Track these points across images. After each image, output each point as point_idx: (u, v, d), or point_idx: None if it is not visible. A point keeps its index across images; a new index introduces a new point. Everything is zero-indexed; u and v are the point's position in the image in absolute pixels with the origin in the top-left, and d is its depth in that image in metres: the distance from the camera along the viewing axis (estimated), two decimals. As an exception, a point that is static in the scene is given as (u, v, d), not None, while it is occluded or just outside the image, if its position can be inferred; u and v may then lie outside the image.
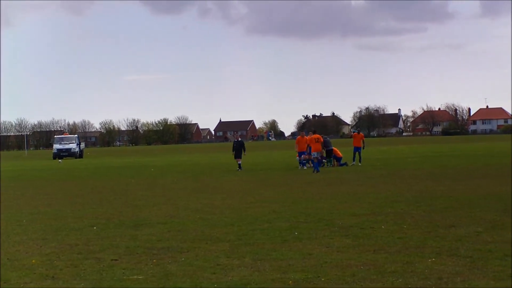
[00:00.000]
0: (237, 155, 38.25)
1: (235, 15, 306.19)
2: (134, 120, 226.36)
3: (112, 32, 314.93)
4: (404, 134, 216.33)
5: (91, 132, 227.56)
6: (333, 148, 39.25)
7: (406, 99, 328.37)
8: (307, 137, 36.56)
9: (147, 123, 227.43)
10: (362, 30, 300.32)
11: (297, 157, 37.36)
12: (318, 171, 33.62)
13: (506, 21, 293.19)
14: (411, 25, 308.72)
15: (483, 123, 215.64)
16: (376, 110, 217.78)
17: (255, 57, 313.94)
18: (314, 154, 34.86)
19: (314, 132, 36.90)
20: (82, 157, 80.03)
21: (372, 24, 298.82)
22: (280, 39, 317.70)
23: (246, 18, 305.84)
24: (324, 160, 38.08)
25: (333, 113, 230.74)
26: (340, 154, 39.71)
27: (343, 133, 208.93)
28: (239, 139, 39.55)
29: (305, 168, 35.41)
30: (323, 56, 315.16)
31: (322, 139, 36.11)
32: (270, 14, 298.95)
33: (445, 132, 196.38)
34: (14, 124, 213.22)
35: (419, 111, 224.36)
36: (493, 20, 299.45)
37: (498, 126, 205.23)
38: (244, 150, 38.43)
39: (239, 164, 38.03)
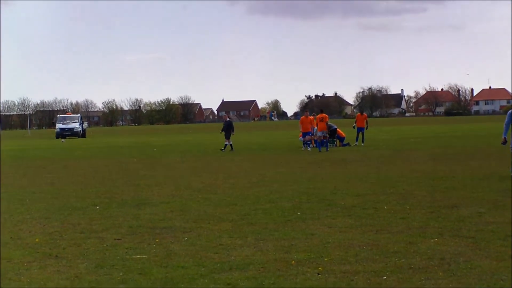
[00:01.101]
0: (226, 136, 37.37)
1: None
2: (137, 99, 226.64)
3: (115, 11, 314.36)
4: (406, 114, 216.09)
5: (94, 111, 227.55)
6: (336, 128, 39.23)
7: (409, 80, 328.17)
8: (311, 117, 36.53)
9: (150, 103, 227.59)
10: (362, 10, 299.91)
11: (300, 137, 37.13)
12: (320, 151, 33.94)
13: (507, 1, 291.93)
14: (411, 5, 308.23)
15: (486, 104, 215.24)
16: (379, 90, 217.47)
17: (257, 37, 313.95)
18: (319, 133, 35.06)
19: (321, 112, 36.99)
20: (85, 137, 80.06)
21: (372, 4, 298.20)
22: (281, 19, 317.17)
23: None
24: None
25: (336, 93, 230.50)
26: (343, 134, 39.70)
27: (346, 113, 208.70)
28: (228, 119, 38.78)
29: (309, 149, 35.10)
30: (324, 36, 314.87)
31: (327, 118, 36.12)
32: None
33: (448, 113, 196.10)
34: (17, 103, 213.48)
35: (422, 92, 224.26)
36: (494, 0, 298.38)
37: (501, 107, 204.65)
38: (233, 130, 37.42)
39: (226, 145, 37.19)
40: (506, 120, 18.87)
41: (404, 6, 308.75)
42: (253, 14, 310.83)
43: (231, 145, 37.35)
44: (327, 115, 36.44)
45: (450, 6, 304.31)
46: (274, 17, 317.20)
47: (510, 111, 19.06)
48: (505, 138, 19.01)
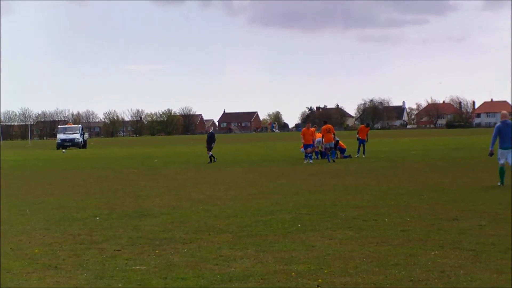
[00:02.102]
0: (208, 147, 37.31)
1: (236, 5, 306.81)
2: (138, 110, 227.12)
3: (116, 21, 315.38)
4: (408, 126, 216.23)
5: (95, 122, 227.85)
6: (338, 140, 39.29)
7: (411, 92, 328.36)
8: (313, 129, 36.57)
9: (151, 114, 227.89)
10: (364, 21, 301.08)
11: (302, 149, 36.82)
12: (334, 161, 35.02)
13: (509, 13, 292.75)
14: (413, 17, 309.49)
15: (487, 116, 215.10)
16: (381, 102, 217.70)
17: (258, 48, 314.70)
18: (326, 144, 35.42)
19: (325, 123, 37.29)
20: (85, 148, 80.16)
21: (373, 16, 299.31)
22: (281, 30, 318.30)
23: (248, 9, 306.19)
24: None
25: (337, 105, 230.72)
26: (344, 146, 39.72)
27: (347, 125, 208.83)
28: (210, 131, 38.43)
29: (311, 161, 34.61)
30: (326, 48, 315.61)
31: (333, 130, 36.39)
32: (271, 5, 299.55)
33: (449, 125, 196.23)
34: (18, 113, 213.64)
35: (424, 104, 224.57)
36: (495, 13, 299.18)
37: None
38: (213, 142, 37.17)
39: (210, 157, 37.09)
40: (493, 134, 20.14)
41: (405, 18, 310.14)
42: (254, 25, 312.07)
43: (212, 156, 37.19)
44: (332, 126, 36.83)
45: (452, 18, 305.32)
46: (274, 28, 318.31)
47: (497, 124, 20.35)
48: (491, 150, 20.39)
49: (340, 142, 39.18)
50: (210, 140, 37.17)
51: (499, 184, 19.83)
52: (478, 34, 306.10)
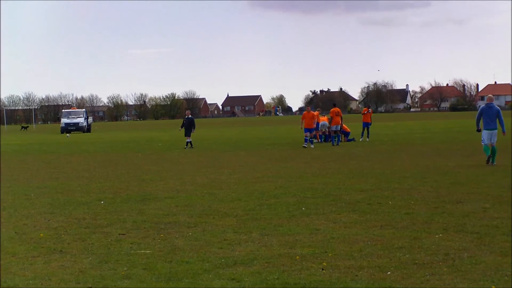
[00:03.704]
0: (187, 133, 36.45)
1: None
2: (142, 94, 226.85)
3: (120, 6, 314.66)
4: (412, 109, 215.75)
5: (99, 106, 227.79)
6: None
7: (414, 75, 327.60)
8: (314, 112, 36.43)
9: (155, 98, 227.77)
10: (366, 5, 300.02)
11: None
12: (338, 144, 34.98)
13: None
14: (414, 0, 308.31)
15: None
16: (384, 85, 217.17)
17: (261, 32, 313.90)
18: (333, 127, 35.45)
19: (334, 106, 37.25)
20: (89, 132, 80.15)
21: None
22: (283, 14, 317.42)
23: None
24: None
25: (341, 88, 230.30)
26: (348, 129, 39.71)
27: (351, 108, 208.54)
28: (189, 116, 37.36)
29: (312, 146, 34.01)
30: (328, 31, 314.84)
31: (341, 113, 36.43)
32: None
33: (453, 108, 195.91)
34: (22, 98, 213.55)
35: (427, 87, 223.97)
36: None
37: (506, 102, 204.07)
38: (194, 128, 36.50)
39: (187, 142, 36.40)
40: (477, 115, 21.57)
41: (407, 1, 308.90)
42: (255, 9, 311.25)
43: (190, 142, 36.48)
44: (340, 110, 36.95)
45: (453, 1, 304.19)
46: (276, 12, 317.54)
47: (481, 106, 21.59)
48: (478, 127, 21.97)
49: (344, 125, 39.17)
50: (190, 125, 36.37)
51: (490, 162, 21.08)
52: (480, 16, 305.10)
